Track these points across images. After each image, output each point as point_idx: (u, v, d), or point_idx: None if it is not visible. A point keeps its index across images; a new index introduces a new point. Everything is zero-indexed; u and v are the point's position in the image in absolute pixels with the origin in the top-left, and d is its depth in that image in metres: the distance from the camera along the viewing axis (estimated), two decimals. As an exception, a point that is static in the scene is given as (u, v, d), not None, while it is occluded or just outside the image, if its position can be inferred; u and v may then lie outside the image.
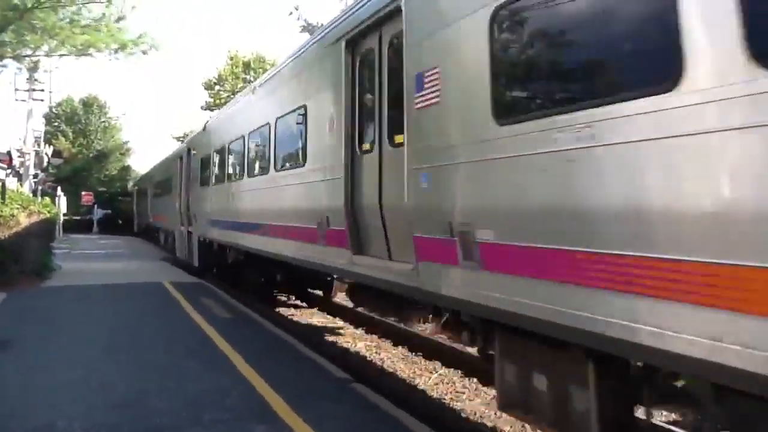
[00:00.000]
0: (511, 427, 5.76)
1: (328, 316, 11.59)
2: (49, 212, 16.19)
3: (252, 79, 37.60)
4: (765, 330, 2.38)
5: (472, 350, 7.91)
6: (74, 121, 52.67)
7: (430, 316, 6.83)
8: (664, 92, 2.76)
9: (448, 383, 7.12)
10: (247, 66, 45.02)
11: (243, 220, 10.67)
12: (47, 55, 23.87)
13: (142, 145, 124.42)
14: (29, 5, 18.46)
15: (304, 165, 7.54)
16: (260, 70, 40.35)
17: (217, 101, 42.46)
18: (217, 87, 45.82)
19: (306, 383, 5.93)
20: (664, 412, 5.05)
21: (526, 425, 5.75)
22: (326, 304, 12.13)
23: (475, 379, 7.07)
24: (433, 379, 7.28)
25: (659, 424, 4.89)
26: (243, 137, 10.80)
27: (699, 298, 2.63)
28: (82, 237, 35.69)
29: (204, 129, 15.44)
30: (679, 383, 3.50)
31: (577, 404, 3.66)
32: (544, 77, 3.79)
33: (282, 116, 8.62)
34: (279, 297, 12.96)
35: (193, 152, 16.58)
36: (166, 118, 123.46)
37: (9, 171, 26.60)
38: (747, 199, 2.46)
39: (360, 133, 6.19)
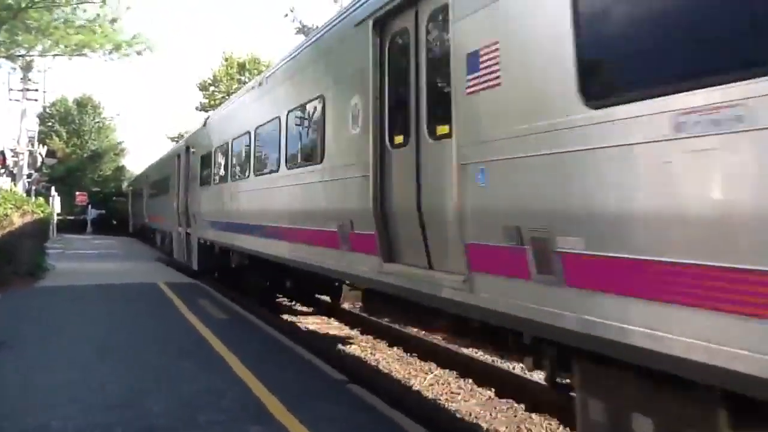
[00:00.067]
0: (506, 427, 5.77)
1: (325, 318, 11.56)
2: (42, 212, 16.14)
3: (247, 80, 37.63)
4: None
5: (474, 352, 7.99)
6: (68, 121, 52.44)
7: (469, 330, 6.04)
8: None
9: (443, 384, 7.13)
10: (242, 67, 45.16)
11: (247, 221, 10.11)
12: (41, 54, 23.90)
13: (137, 145, 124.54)
14: (23, 5, 18.44)
15: (321, 162, 6.91)
16: (255, 71, 40.36)
17: (212, 102, 42.50)
18: (211, 88, 46.01)
19: (302, 384, 5.92)
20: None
21: (522, 426, 5.78)
22: (325, 307, 12.02)
23: (470, 380, 7.10)
24: (429, 380, 7.29)
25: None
26: (249, 133, 10.19)
27: None
28: (75, 237, 35.48)
29: (204, 126, 14.78)
30: None
31: None
32: (658, 40, 2.92)
33: (294, 109, 7.99)
34: (281, 301, 12.75)
35: (192, 150, 15.85)
36: (161, 119, 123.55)
37: (3, 171, 26.53)
38: None
39: (391, 126, 5.53)
